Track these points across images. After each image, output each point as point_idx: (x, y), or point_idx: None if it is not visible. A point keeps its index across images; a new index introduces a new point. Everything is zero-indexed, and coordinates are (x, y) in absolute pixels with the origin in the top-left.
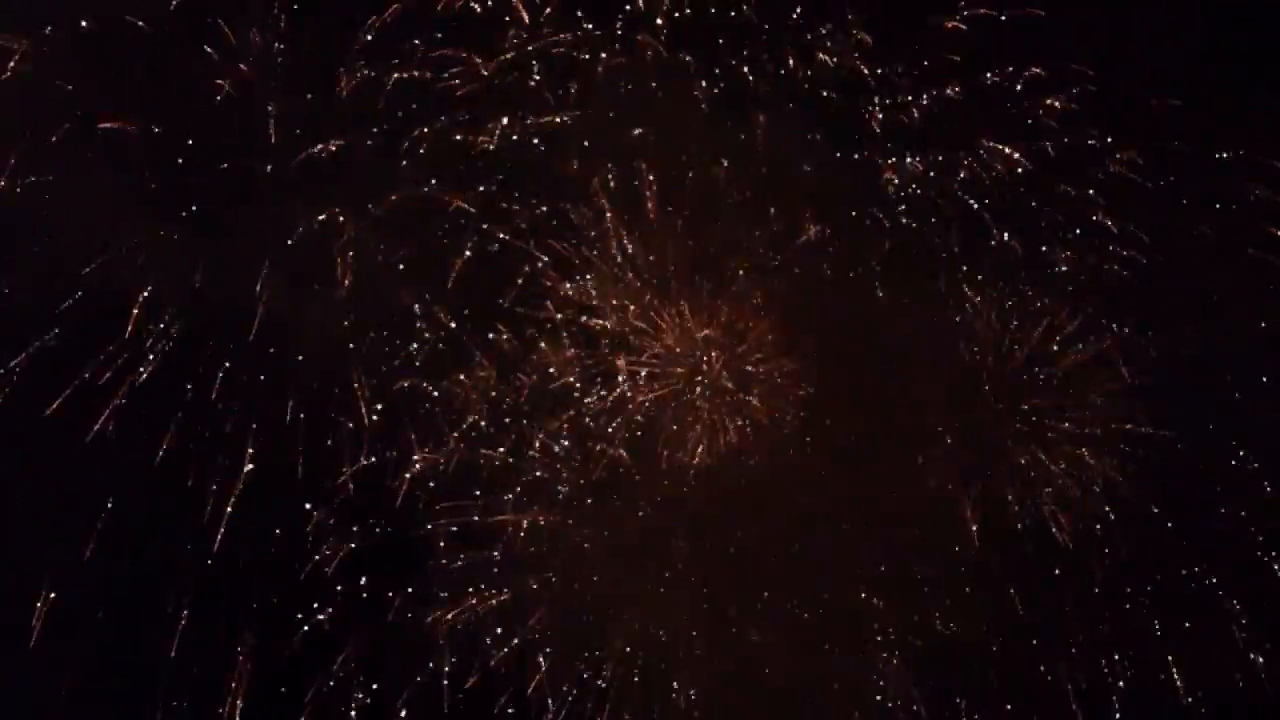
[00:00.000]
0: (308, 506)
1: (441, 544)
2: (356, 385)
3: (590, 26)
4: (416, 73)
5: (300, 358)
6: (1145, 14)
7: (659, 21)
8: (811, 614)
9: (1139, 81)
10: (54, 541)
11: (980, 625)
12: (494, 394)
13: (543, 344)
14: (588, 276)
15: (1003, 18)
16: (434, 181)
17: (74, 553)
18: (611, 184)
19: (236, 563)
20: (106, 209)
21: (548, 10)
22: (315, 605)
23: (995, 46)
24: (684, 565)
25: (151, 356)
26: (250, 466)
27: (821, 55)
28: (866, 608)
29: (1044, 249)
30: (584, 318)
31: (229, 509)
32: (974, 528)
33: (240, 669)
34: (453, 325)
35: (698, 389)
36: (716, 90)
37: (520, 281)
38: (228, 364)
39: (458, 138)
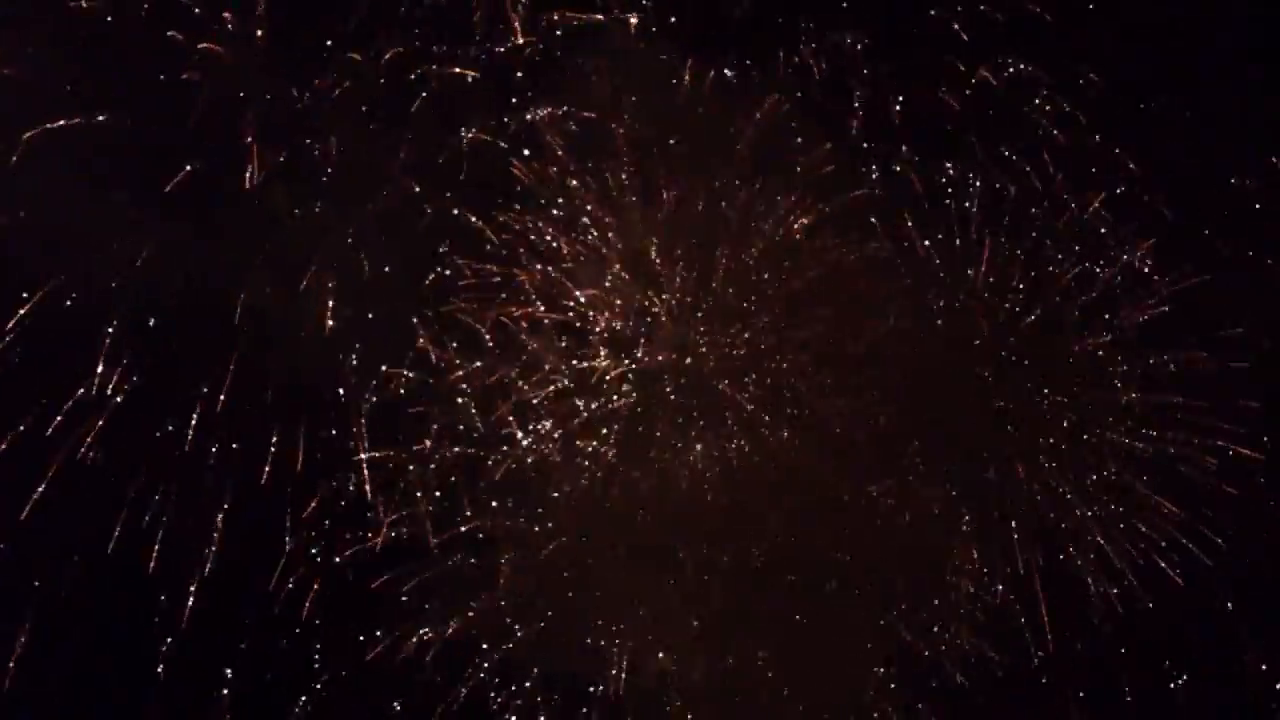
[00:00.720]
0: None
1: (431, 555)
2: (342, 393)
3: (572, 21)
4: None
5: (284, 365)
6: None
7: (634, 21)
8: (809, 623)
9: (1139, 83)
10: (33, 566)
11: (981, 636)
12: (482, 399)
13: (531, 345)
14: (571, 268)
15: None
16: (416, 182)
17: (56, 578)
18: (591, 183)
19: (221, 583)
20: (75, 216)
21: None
22: (299, 622)
23: (992, 47)
24: (679, 572)
25: (135, 371)
26: (235, 481)
27: (810, 54)
28: (865, 616)
29: (1041, 253)
30: (573, 316)
31: (215, 529)
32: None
33: (225, 690)
34: (437, 328)
35: (688, 393)
36: (703, 86)
37: (506, 281)
38: (213, 369)
39: (437, 136)
